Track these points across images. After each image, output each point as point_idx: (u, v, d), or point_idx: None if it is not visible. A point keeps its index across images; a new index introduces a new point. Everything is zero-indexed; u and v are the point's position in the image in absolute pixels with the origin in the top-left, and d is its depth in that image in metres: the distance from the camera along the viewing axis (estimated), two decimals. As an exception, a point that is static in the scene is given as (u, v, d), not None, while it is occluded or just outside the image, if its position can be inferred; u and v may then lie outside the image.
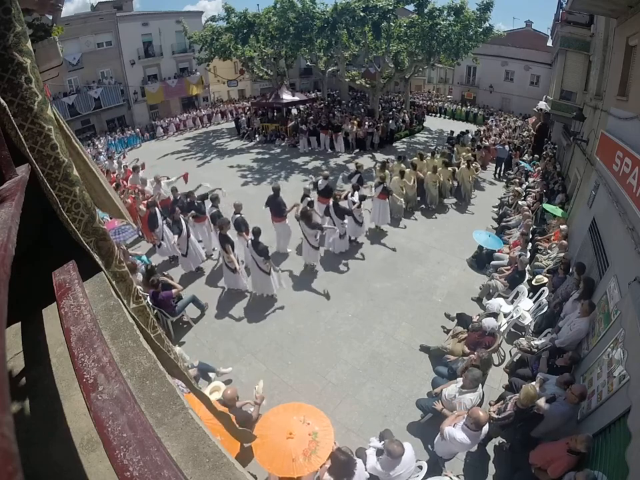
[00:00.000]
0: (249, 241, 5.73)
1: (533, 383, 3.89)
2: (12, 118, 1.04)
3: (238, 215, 6.49)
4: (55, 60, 5.46)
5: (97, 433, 0.70)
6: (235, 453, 2.78)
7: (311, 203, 7.03)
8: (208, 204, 7.11)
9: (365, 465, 3.15)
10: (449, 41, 14.23)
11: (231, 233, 6.01)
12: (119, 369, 0.84)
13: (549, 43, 19.64)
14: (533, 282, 6.11)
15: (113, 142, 18.74)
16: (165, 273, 6.14)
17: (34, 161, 1.12)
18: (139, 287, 5.31)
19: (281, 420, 2.93)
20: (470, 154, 11.16)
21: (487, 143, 13.92)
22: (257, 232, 5.65)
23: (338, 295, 6.30)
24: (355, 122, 16.26)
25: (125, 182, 9.79)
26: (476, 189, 11.00)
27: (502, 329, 4.86)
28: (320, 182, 7.91)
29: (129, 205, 7.96)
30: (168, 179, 8.61)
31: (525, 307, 5.36)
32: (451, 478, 3.30)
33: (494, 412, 3.65)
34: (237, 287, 6.16)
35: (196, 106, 24.98)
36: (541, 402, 3.43)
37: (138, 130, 20.55)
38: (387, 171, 9.02)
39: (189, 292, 6.13)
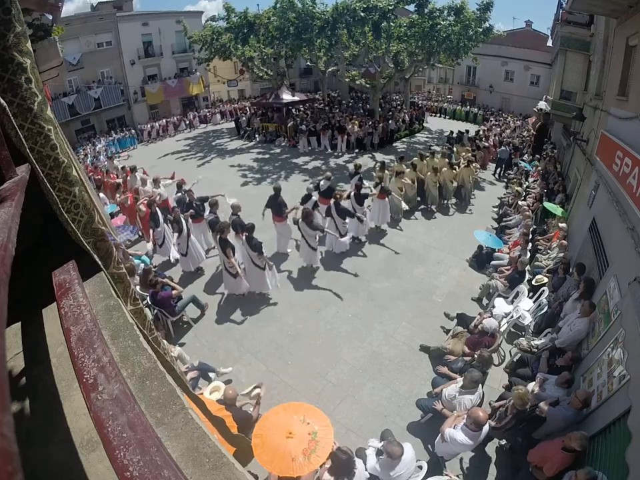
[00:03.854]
0: (243, 237, 5.81)
1: (533, 383, 3.90)
2: (12, 118, 1.04)
3: (235, 217, 6.47)
4: (54, 60, 5.47)
5: (97, 432, 0.70)
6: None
7: (315, 204, 7.04)
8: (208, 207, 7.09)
9: (365, 465, 3.15)
10: (449, 41, 14.23)
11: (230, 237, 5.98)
12: (119, 368, 0.84)
13: (549, 43, 19.66)
14: (533, 282, 6.12)
15: (112, 143, 18.75)
16: (167, 275, 6.13)
17: (34, 161, 1.12)
18: (137, 289, 5.33)
19: (280, 419, 2.92)
20: (470, 154, 11.16)
21: (487, 144, 13.91)
22: (250, 228, 5.75)
23: (338, 295, 6.30)
24: (356, 122, 16.27)
25: (125, 182, 9.80)
26: (476, 189, 10.99)
27: (502, 329, 4.87)
28: (322, 182, 7.91)
29: (129, 205, 7.98)
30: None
31: (525, 307, 5.36)
32: (451, 478, 3.30)
33: (493, 422, 3.63)
34: (238, 292, 6.11)
35: (196, 106, 24.97)
36: (543, 405, 3.43)
37: (133, 131, 20.49)
38: (386, 172, 9.01)
39: (189, 292, 6.14)
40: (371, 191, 7.78)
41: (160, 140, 20.43)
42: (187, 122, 22.15)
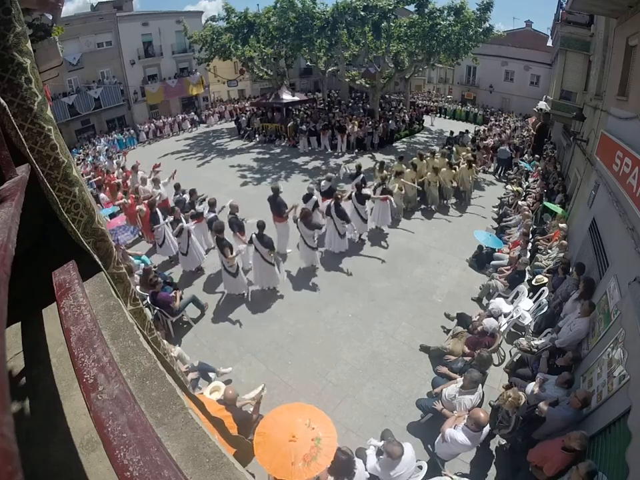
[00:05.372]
0: (254, 235, 5.79)
1: (533, 383, 3.90)
2: (12, 118, 1.04)
3: (232, 216, 6.46)
4: (54, 60, 5.47)
5: (97, 432, 0.70)
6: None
7: (316, 204, 7.04)
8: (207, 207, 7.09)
9: (365, 465, 3.15)
10: (448, 41, 14.23)
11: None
12: (119, 368, 0.84)
13: (549, 43, 19.67)
14: (533, 282, 6.11)
15: (113, 143, 18.74)
16: (167, 275, 6.13)
17: (34, 161, 1.12)
18: (136, 289, 5.34)
19: (284, 420, 2.89)
20: (470, 154, 11.15)
21: (486, 143, 13.90)
22: (261, 225, 5.79)
23: (338, 295, 6.29)
24: (356, 122, 16.27)
25: (126, 182, 9.80)
26: (476, 189, 10.99)
27: (502, 329, 4.87)
28: (323, 183, 7.91)
29: (129, 205, 7.97)
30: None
31: (525, 307, 5.36)
32: (451, 478, 3.30)
33: (501, 432, 3.64)
34: (238, 292, 6.13)
35: (196, 106, 24.95)
36: (543, 405, 3.43)
37: (132, 131, 20.49)
38: (385, 172, 9.01)
39: (189, 292, 6.13)
40: (373, 194, 7.77)
41: (158, 140, 20.40)
42: (177, 124, 21.91)
